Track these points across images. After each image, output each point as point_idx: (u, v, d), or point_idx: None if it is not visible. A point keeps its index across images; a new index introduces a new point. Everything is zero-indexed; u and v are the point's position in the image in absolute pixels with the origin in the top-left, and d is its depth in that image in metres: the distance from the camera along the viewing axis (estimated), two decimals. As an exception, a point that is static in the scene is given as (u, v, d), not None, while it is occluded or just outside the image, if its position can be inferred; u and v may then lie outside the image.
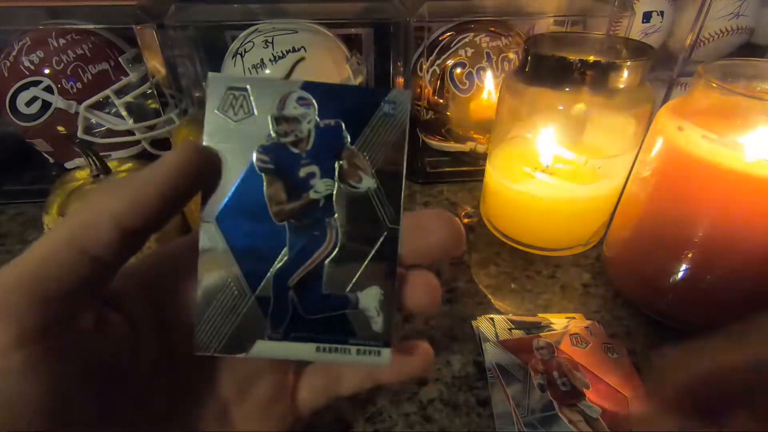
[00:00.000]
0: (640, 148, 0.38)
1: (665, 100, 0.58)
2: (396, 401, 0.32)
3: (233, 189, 0.18)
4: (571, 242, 0.44)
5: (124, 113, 0.52)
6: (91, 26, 0.50)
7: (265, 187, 0.18)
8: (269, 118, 0.18)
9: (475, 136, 0.58)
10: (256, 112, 0.18)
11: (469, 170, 0.58)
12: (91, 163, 0.40)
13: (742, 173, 0.29)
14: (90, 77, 0.50)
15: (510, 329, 0.36)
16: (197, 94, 0.53)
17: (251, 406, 0.21)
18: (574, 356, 0.34)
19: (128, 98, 0.52)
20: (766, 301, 0.34)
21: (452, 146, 0.59)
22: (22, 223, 0.50)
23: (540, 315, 0.38)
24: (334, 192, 0.18)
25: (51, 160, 0.56)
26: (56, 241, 0.15)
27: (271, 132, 0.18)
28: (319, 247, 0.18)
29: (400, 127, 0.18)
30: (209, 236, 0.18)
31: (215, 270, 0.18)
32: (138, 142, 0.54)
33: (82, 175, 0.42)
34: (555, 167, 0.40)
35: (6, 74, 0.49)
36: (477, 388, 0.33)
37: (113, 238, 0.15)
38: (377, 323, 0.18)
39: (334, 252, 0.18)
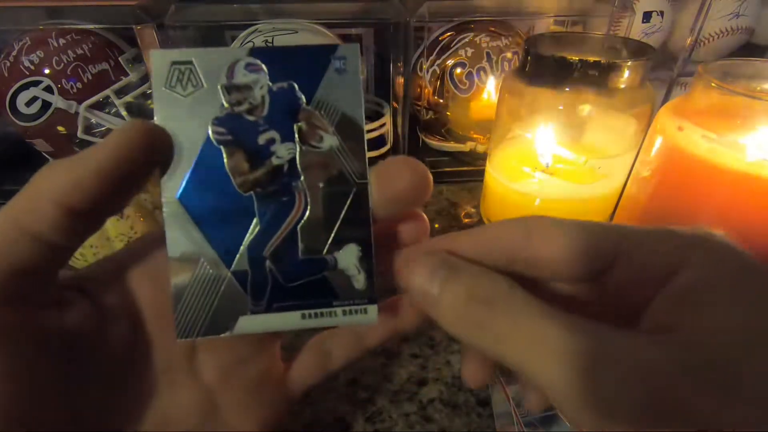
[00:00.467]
0: (640, 148, 0.38)
1: (665, 100, 0.58)
2: (396, 401, 0.32)
3: (192, 166, 0.17)
4: (571, 242, 0.44)
5: (124, 113, 0.52)
6: (91, 26, 0.50)
7: (225, 160, 0.17)
8: (219, 88, 0.17)
9: (475, 136, 0.58)
10: (204, 84, 0.17)
11: (469, 170, 0.58)
12: (91, 163, 0.40)
13: (742, 173, 0.29)
14: (90, 77, 0.50)
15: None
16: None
17: (238, 392, 0.21)
18: (574, 356, 0.34)
19: (128, 98, 0.52)
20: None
21: (452, 146, 0.59)
22: (22, 223, 0.50)
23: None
24: (297, 155, 0.18)
25: (51, 160, 0.56)
26: None
27: (224, 102, 0.17)
28: (290, 213, 0.18)
29: (354, 82, 0.18)
30: (174, 218, 0.17)
31: (185, 251, 0.17)
32: (138, 142, 0.54)
33: (82, 175, 0.42)
34: (555, 167, 0.40)
35: (6, 74, 0.49)
36: (477, 388, 0.33)
37: (56, 217, 0.15)
38: (359, 281, 0.18)
39: (306, 215, 0.18)
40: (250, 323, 0.18)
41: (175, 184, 0.17)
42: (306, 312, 0.18)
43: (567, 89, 0.36)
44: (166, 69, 0.17)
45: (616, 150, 0.39)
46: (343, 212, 0.18)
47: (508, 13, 0.57)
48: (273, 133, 0.18)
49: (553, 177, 0.40)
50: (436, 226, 0.50)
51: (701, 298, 0.14)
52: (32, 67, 0.49)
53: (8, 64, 0.49)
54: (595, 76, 0.35)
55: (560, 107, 0.38)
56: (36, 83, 0.49)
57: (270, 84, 0.17)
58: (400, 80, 0.53)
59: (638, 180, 0.37)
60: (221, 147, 0.17)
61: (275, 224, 0.18)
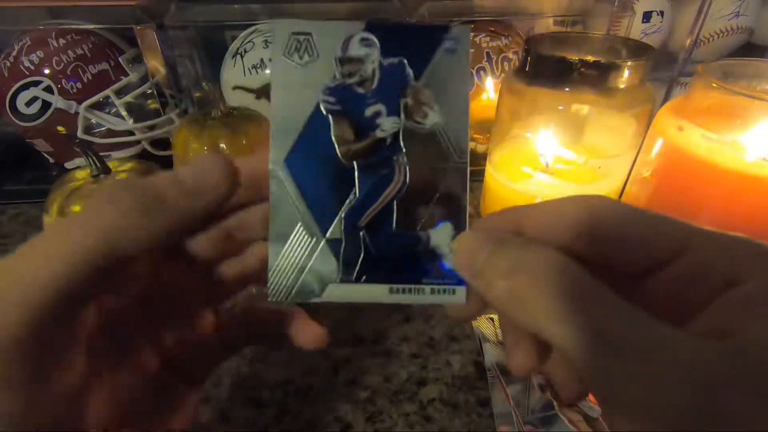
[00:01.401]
0: (640, 148, 0.38)
1: (665, 100, 0.58)
2: (396, 401, 0.32)
3: (300, 132, 0.18)
4: (571, 242, 0.44)
5: (124, 113, 0.52)
6: (91, 26, 0.50)
7: (332, 128, 0.18)
8: (334, 60, 0.18)
9: (475, 136, 0.58)
10: (320, 55, 0.18)
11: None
12: (91, 163, 0.40)
13: (742, 173, 0.29)
14: (90, 77, 0.50)
15: (510, 329, 0.36)
16: (197, 94, 0.53)
17: None
18: (574, 356, 0.34)
19: (128, 98, 0.52)
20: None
21: (452, 146, 0.59)
22: (22, 223, 0.50)
23: (540, 315, 0.38)
24: (401, 129, 0.18)
25: (51, 160, 0.56)
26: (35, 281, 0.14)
27: (336, 73, 0.18)
28: (388, 186, 0.18)
29: (463, 63, 0.18)
30: (278, 181, 0.18)
31: (285, 215, 0.18)
32: (138, 142, 0.54)
33: (82, 175, 0.42)
34: (555, 167, 0.40)
35: (6, 74, 0.49)
36: (477, 388, 0.33)
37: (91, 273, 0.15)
38: (450, 260, 0.18)
39: (403, 190, 0.18)
40: (338, 291, 0.18)
41: (283, 148, 0.18)
42: (395, 286, 0.18)
43: (567, 89, 0.36)
44: (285, 38, 0.18)
45: (616, 150, 0.39)
46: (440, 191, 0.18)
47: (508, 13, 0.57)
48: (380, 107, 0.18)
49: (553, 177, 0.40)
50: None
51: (765, 309, 0.13)
52: (32, 67, 0.48)
53: (8, 64, 0.49)
54: (595, 76, 0.35)
55: (560, 107, 0.38)
56: (36, 83, 0.49)
57: (381, 59, 0.18)
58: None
59: (638, 180, 0.37)
60: (329, 116, 0.18)
61: (373, 196, 0.18)
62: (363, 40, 0.18)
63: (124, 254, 0.15)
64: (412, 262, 0.18)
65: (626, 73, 0.35)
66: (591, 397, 0.31)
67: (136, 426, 0.19)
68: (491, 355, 0.34)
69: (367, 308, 0.39)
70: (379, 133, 0.18)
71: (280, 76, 0.18)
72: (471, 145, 0.57)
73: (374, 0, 0.57)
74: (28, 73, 0.49)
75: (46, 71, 0.49)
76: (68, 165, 0.55)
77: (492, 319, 0.37)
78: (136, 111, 0.53)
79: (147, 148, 0.55)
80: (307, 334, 0.21)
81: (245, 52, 0.50)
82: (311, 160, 0.18)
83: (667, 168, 0.34)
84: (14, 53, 0.49)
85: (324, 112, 0.18)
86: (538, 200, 0.41)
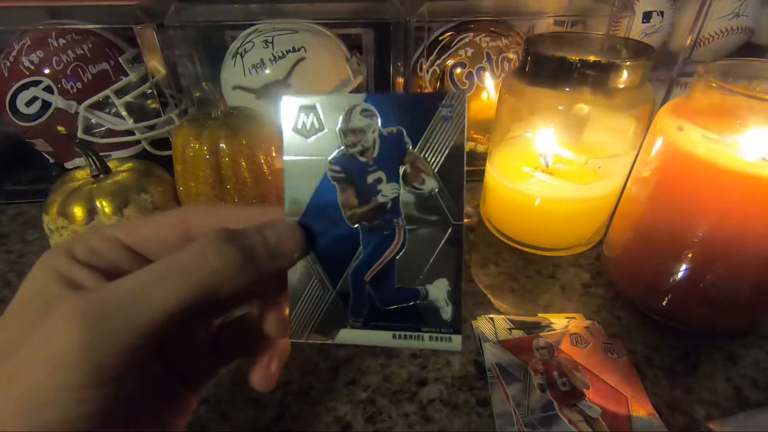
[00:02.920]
0: (640, 148, 0.38)
1: (665, 100, 0.58)
2: (396, 401, 0.32)
3: (310, 199, 0.20)
4: (570, 242, 0.44)
5: (124, 113, 0.52)
6: (91, 26, 0.50)
7: (338, 195, 0.20)
8: (337, 131, 0.19)
9: (475, 136, 0.58)
10: (325, 127, 0.19)
11: (469, 170, 0.58)
12: (91, 163, 0.40)
13: (742, 173, 0.29)
14: (90, 77, 0.50)
15: (510, 329, 0.36)
16: (197, 94, 0.53)
17: None
18: (574, 356, 0.34)
19: (128, 98, 0.52)
20: (766, 300, 0.34)
21: (452, 146, 0.59)
22: (22, 223, 0.50)
23: (540, 315, 0.38)
24: (400, 195, 0.19)
25: (51, 160, 0.56)
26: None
27: (341, 144, 0.19)
28: (390, 245, 0.20)
29: (458, 128, 0.19)
30: None
31: (300, 270, 0.20)
32: (138, 142, 0.54)
33: (82, 175, 0.42)
34: (555, 167, 0.40)
35: (6, 74, 0.49)
36: (477, 388, 0.33)
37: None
38: (446, 312, 0.20)
39: (404, 249, 0.20)
40: (349, 335, 0.20)
41: (296, 212, 0.20)
42: (397, 333, 0.20)
43: (567, 89, 0.36)
44: (294, 113, 0.19)
45: (616, 150, 0.39)
46: (438, 249, 0.20)
47: (508, 13, 0.57)
48: (380, 174, 0.20)
49: (553, 177, 0.40)
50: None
51: None
52: (32, 67, 0.49)
53: (8, 64, 0.49)
54: (595, 76, 0.35)
55: (560, 107, 0.38)
56: (36, 83, 0.49)
57: (381, 128, 0.19)
58: (400, 80, 0.53)
59: (638, 180, 0.37)
60: (335, 183, 0.20)
61: (377, 254, 0.20)
62: (364, 111, 0.19)
63: (216, 300, 0.17)
64: (412, 313, 0.20)
65: (626, 73, 0.35)
66: (590, 396, 0.31)
67: (139, 425, 0.19)
68: (491, 355, 0.34)
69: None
70: (380, 199, 0.20)
71: (291, 150, 0.20)
72: (471, 145, 0.57)
73: (374, 0, 0.57)
74: (28, 73, 0.49)
75: (46, 71, 0.49)
76: (68, 165, 0.56)
77: (492, 319, 0.37)
78: (136, 111, 0.53)
79: (147, 148, 0.55)
80: (260, 377, 0.22)
81: (245, 52, 0.50)
82: (321, 223, 0.20)
83: (667, 168, 0.34)
84: (14, 53, 0.49)
85: (330, 180, 0.20)
86: (537, 201, 0.41)
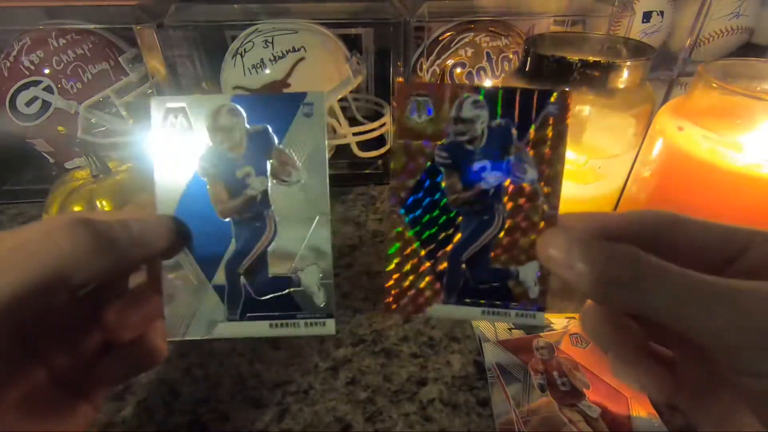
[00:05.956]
0: (640, 148, 0.38)
1: (665, 100, 0.58)
2: (396, 401, 0.32)
3: (181, 195, 0.20)
4: (571, 242, 0.44)
5: (124, 113, 0.52)
6: (91, 26, 0.50)
7: (208, 190, 0.20)
8: (205, 130, 0.20)
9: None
10: (192, 126, 0.20)
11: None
12: (91, 163, 0.40)
13: (742, 173, 0.29)
14: (90, 77, 0.50)
15: (510, 329, 0.36)
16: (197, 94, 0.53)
17: None
18: (574, 356, 0.34)
19: (128, 98, 0.52)
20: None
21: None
22: (22, 223, 0.50)
23: (540, 315, 0.38)
24: (269, 187, 0.21)
25: (51, 160, 0.56)
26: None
27: (209, 142, 0.20)
28: (261, 237, 0.21)
29: (319, 124, 0.20)
30: None
31: (175, 266, 0.21)
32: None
33: (82, 175, 0.42)
34: (555, 167, 0.40)
35: (6, 74, 0.49)
36: (477, 388, 0.33)
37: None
38: (319, 297, 0.21)
39: (275, 239, 0.21)
40: (226, 329, 0.21)
41: (168, 209, 0.20)
42: (273, 322, 0.21)
43: (567, 89, 0.36)
44: (162, 113, 0.20)
45: (616, 150, 0.39)
46: (307, 238, 0.21)
47: (508, 13, 0.57)
48: (249, 168, 0.21)
49: (553, 177, 0.40)
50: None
51: None
52: (32, 67, 0.49)
53: (8, 64, 0.49)
54: (595, 76, 0.35)
55: (560, 107, 0.38)
56: (36, 83, 0.49)
57: (247, 127, 0.20)
58: (400, 80, 0.53)
59: (638, 180, 0.37)
60: (204, 179, 0.20)
61: (249, 246, 0.21)
62: (230, 110, 0.20)
63: (69, 284, 0.17)
64: (287, 301, 0.21)
65: (626, 73, 0.35)
66: (590, 396, 0.31)
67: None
68: (491, 355, 0.34)
69: (367, 309, 0.39)
70: (249, 192, 0.21)
71: (160, 147, 0.20)
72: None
73: (374, 0, 0.57)
74: (28, 73, 0.49)
75: (46, 71, 0.49)
76: (68, 165, 0.55)
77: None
78: (136, 111, 0.53)
79: (147, 148, 0.55)
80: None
81: (245, 52, 0.50)
82: (192, 219, 0.20)
83: (667, 168, 0.34)
84: (14, 53, 0.49)
85: (200, 176, 0.20)
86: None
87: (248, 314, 0.21)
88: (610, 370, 0.19)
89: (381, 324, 0.37)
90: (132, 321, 0.22)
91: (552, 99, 0.20)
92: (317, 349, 0.35)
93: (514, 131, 0.20)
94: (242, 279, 0.21)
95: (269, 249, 0.21)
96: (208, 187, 0.20)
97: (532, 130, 0.20)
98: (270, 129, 0.20)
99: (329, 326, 0.21)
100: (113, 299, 0.22)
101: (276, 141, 0.20)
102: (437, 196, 0.20)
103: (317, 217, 0.21)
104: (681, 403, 0.19)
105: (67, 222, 0.17)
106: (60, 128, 0.51)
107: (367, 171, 0.59)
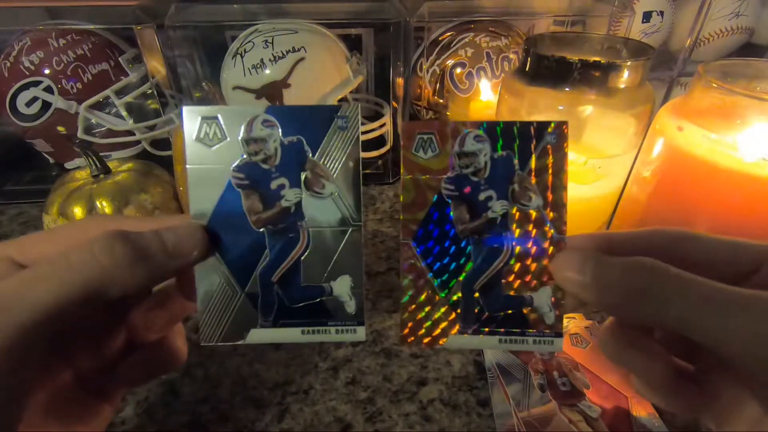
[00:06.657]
0: (640, 148, 0.38)
1: (665, 100, 0.58)
2: (396, 401, 0.32)
3: (215, 206, 0.21)
4: (571, 242, 0.44)
5: (124, 113, 0.52)
6: (91, 26, 0.50)
7: (243, 201, 0.21)
8: (239, 140, 0.20)
9: (475, 136, 0.58)
10: (228, 136, 0.20)
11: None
12: (91, 163, 0.40)
13: (742, 173, 0.29)
14: (90, 77, 0.50)
15: (510, 329, 0.36)
16: (197, 94, 0.53)
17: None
18: (574, 356, 0.34)
19: (128, 98, 0.52)
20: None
21: (452, 146, 0.59)
22: (23, 223, 0.50)
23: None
24: (303, 199, 0.21)
25: (51, 160, 0.56)
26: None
27: (243, 153, 0.20)
28: (295, 247, 0.21)
29: (353, 137, 0.21)
30: None
31: (209, 275, 0.21)
32: (138, 142, 0.54)
33: (82, 175, 0.42)
34: (555, 167, 0.40)
35: (6, 74, 0.49)
36: (477, 388, 0.33)
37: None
38: (350, 306, 0.22)
39: (308, 250, 0.21)
40: (259, 335, 0.21)
41: (202, 219, 0.21)
42: (305, 329, 0.22)
43: (567, 89, 0.36)
44: (196, 123, 0.20)
45: (616, 150, 0.39)
46: (340, 249, 0.21)
47: (508, 13, 0.58)
48: (283, 180, 0.21)
49: (553, 177, 0.40)
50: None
51: None
52: (32, 67, 0.49)
53: (8, 64, 0.49)
54: (595, 76, 0.35)
55: (560, 107, 0.38)
56: (36, 83, 0.49)
57: (282, 138, 0.21)
58: (400, 80, 0.53)
59: (638, 180, 0.37)
60: (240, 190, 0.21)
61: (282, 256, 0.21)
62: (265, 121, 0.20)
63: (107, 298, 0.18)
64: (319, 308, 0.21)
65: (626, 73, 0.35)
66: (590, 396, 0.31)
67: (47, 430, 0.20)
68: (491, 354, 0.34)
69: (367, 309, 0.39)
70: (283, 203, 0.21)
71: (194, 159, 0.20)
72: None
73: (374, 0, 0.57)
74: (28, 73, 0.49)
75: (46, 71, 0.49)
76: (68, 165, 0.56)
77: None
78: (136, 111, 0.53)
79: (147, 148, 0.55)
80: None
81: (245, 52, 0.50)
82: (227, 229, 0.21)
83: (667, 168, 0.34)
84: (14, 53, 0.49)
85: (235, 187, 0.21)
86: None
87: (281, 321, 0.21)
88: (635, 390, 0.19)
89: (381, 324, 0.37)
90: (156, 323, 0.23)
91: (549, 129, 0.20)
92: (317, 349, 0.35)
93: (515, 162, 0.20)
94: (275, 287, 0.21)
95: (302, 259, 0.21)
96: (242, 197, 0.21)
97: (533, 160, 0.20)
98: (304, 141, 0.21)
99: (360, 333, 0.22)
100: (138, 301, 0.23)
101: (310, 153, 0.21)
102: (447, 227, 0.21)
103: (350, 230, 0.21)
104: (706, 419, 0.19)
105: (107, 236, 0.18)
106: (60, 128, 0.51)
107: (368, 171, 0.59)
